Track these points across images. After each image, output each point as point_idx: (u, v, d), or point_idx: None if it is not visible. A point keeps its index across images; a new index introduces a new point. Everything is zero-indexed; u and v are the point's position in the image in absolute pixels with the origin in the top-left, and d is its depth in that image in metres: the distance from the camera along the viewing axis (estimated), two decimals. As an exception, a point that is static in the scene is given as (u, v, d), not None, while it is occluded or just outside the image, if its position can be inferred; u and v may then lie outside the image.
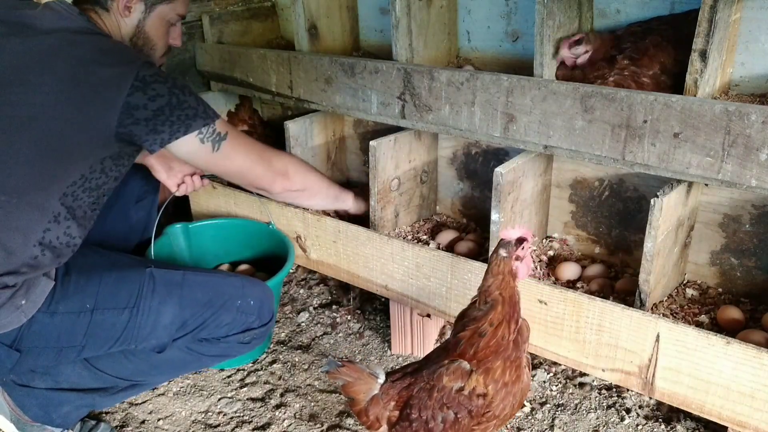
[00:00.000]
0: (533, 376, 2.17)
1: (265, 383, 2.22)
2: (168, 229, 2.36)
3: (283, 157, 2.03)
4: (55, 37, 1.63)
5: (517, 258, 1.46)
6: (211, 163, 1.79)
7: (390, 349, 2.36)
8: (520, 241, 1.46)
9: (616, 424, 1.96)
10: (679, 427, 1.93)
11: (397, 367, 2.27)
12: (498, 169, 1.90)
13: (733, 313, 1.79)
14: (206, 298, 1.84)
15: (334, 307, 2.63)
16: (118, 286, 1.76)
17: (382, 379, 1.61)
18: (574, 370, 2.17)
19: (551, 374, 2.18)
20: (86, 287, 1.73)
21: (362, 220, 2.31)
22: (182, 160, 1.89)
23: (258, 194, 2.40)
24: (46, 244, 1.62)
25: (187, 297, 1.82)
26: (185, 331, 1.82)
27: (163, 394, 2.18)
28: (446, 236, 2.31)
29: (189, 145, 1.70)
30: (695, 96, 1.61)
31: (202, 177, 2.21)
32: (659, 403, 2.01)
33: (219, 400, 2.16)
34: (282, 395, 2.16)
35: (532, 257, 1.48)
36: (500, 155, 2.29)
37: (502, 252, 1.46)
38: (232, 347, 1.92)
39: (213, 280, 1.90)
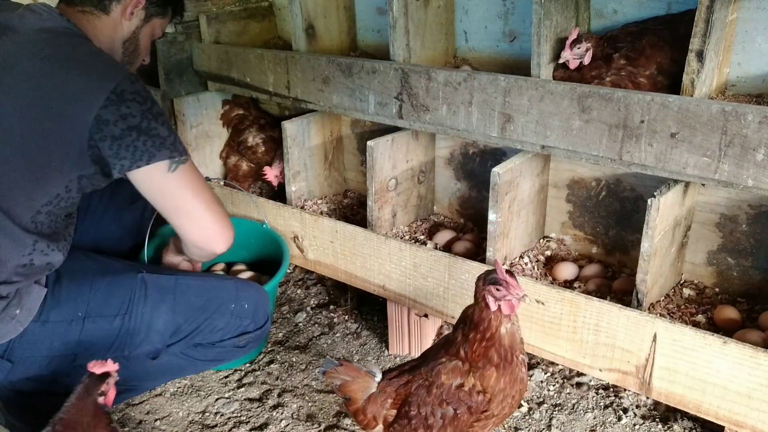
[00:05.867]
0: (531, 376, 2.17)
1: (262, 383, 2.22)
2: (161, 231, 2.35)
3: (223, 208, 1.81)
4: (33, 38, 1.59)
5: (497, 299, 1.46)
6: (156, 188, 1.64)
7: (387, 349, 2.36)
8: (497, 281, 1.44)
9: (614, 424, 1.97)
10: (676, 426, 1.93)
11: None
12: (495, 169, 1.90)
13: (730, 312, 1.79)
14: (200, 302, 1.83)
15: (331, 307, 2.63)
16: (110, 292, 1.74)
17: (378, 377, 1.61)
18: (571, 370, 2.17)
19: (548, 374, 2.18)
20: (77, 295, 1.71)
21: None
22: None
23: (251, 194, 2.40)
24: (38, 250, 1.61)
25: (180, 302, 1.80)
26: (179, 337, 1.81)
27: (160, 395, 2.18)
28: (443, 236, 2.31)
29: (146, 174, 1.60)
30: (692, 96, 1.61)
31: None
32: (656, 403, 2.02)
33: (216, 400, 2.15)
34: (279, 395, 2.16)
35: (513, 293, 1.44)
36: (497, 155, 2.29)
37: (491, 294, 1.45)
38: (228, 351, 1.91)
39: (206, 284, 1.88)
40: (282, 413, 2.08)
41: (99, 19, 1.76)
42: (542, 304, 1.86)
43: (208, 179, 2.36)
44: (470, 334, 1.50)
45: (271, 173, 2.76)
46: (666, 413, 1.98)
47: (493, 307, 1.45)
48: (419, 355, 1.71)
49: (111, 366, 1.47)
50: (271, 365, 2.30)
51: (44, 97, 1.52)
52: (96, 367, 1.46)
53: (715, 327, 1.77)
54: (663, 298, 1.90)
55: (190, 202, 1.67)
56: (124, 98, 1.52)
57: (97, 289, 1.73)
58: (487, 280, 1.45)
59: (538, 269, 2.09)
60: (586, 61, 1.82)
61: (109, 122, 1.51)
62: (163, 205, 1.68)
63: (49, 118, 1.52)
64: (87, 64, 1.57)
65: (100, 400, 1.46)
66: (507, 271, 1.44)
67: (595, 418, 2.00)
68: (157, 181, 1.62)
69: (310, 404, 2.12)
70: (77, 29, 1.68)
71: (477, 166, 2.39)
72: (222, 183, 2.74)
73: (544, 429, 1.98)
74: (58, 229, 1.68)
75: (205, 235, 1.73)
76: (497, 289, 1.43)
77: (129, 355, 1.80)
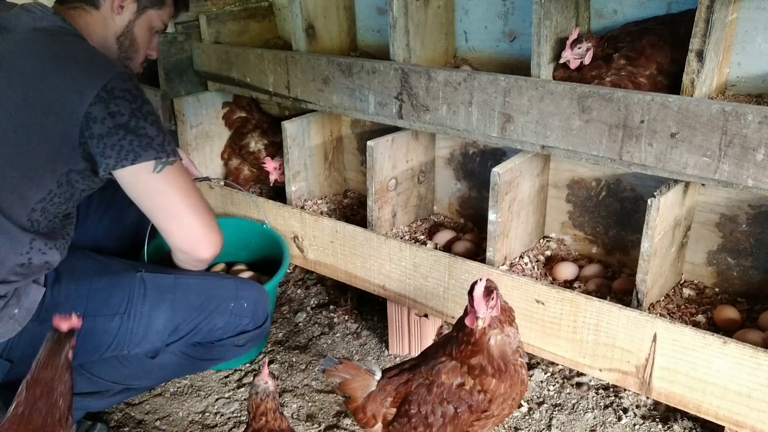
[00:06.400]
0: (531, 376, 2.17)
1: (262, 383, 2.22)
2: None
3: (213, 215, 1.77)
4: (26, 37, 1.59)
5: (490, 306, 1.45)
6: (141, 190, 1.62)
7: (387, 350, 2.36)
8: (489, 291, 1.44)
9: (614, 424, 1.97)
10: (676, 426, 1.93)
11: (394, 367, 2.28)
12: (495, 169, 1.90)
13: (730, 312, 1.79)
14: (199, 301, 1.82)
15: (331, 307, 2.63)
16: (109, 292, 1.74)
17: (378, 375, 1.61)
18: (571, 370, 2.17)
19: (548, 374, 2.18)
20: (76, 294, 1.71)
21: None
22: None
23: (249, 193, 2.39)
24: (35, 248, 1.61)
25: (179, 301, 1.79)
26: (178, 336, 1.81)
27: (160, 395, 2.18)
28: (443, 236, 2.31)
29: (131, 174, 1.58)
30: (692, 96, 1.61)
31: (193, 180, 2.18)
32: (656, 403, 2.02)
33: (216, 400, 2.15)
34: (279, 395, 2.15)
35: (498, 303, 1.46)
36: (497, 155, 2.29)
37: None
38: (227, 350, 1.91)
39: (206, 282, 1.87)
40: (282, 413, 2.08)
41: (90, 14, 1.75)
42: (542, 303, 1.86)
43: (209, 179, 2.36)
44: (458, 335, 1.52)
45: (270, 164, 2.73)
46: (666, 413, 1.98)
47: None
48: (420, 353, 1.71)
49: (76, 321, 1.43)
50: (271, 365, 2.30)
51: (36, 96, 1.53)
52: (63, 323, 1.41)
53: (715, 327, 1.77)
54: (663, 298, 1.90)
55: (175, 205, 1.65)
56: (114, 96, 1.52)
57: (96, 289, 1.73)
58: (470, 289, 1.46)
59: (538, 269, 2.09)
60: (587, 61, 1.82)
61: (97, 119, 1.51)
62: (149, 207, 1.66)
63: (40, 116, 1.52)
64: (79, 62, 1.57)
65: (70, 355, 1.43)
66: (486, 288, 1.43)
67: (595, 418, 2.00)
68: (142, 182, 1.60)
69: (310, 404, 2.12)
70: (71, 28, 1.68)
71: (477, 166, 2.39)
72: (222, 183, 2.74)
73: (544, 429, 1.98)
74: (56, 228, 1.68)
75: (190, 239, 1.70)
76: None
77: (128, 354, 1.80)
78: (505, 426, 1.99)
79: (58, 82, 1.52)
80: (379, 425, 1.59)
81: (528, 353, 2.07)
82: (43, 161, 1.55)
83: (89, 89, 1.51)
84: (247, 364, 2.31)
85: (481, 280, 1.44)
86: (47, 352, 1.40)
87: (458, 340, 1.51)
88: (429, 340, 2.29)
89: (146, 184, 1.61)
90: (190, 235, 1.70)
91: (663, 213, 1.69)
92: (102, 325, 1.72)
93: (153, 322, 1.77)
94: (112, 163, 1.55)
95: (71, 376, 1.43)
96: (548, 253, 2.19)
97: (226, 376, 2.25)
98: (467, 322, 1.47)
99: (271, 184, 2.79)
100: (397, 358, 2.33)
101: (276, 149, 2.80)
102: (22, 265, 1.60)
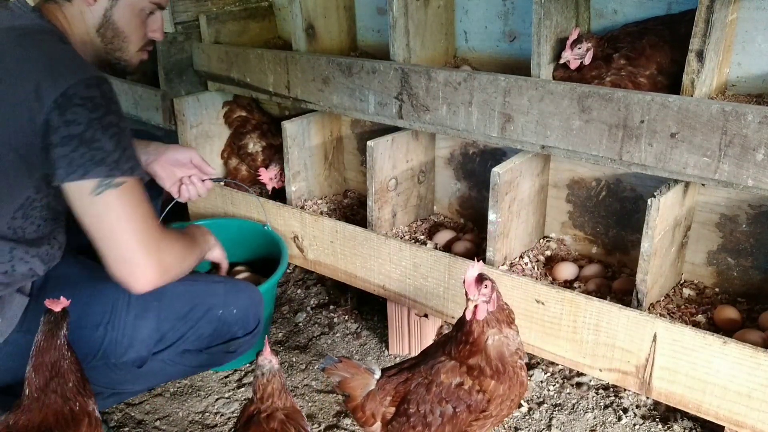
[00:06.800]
0: (531, 376, 2.17)
1: (262, 383, 2.22)
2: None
3: (171, 244, 1.62)
4: (1, 38, 1.54)
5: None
6: (82, 208, 1.48)
7: (387, 350, 2.36)
8: (481, 279, 1.44)
9: (614, 424, 1.97)
10: (676, 426, 1.93)
11: (394, 367, 2.28)
12: (495, 169, 1.90)
13: (730, 312, 1.79)
14: (185, 309, 1.76)
15: (331, 307, 2.63)
16: (92, 301, 1.69)
17: (378, 374, 1.62)
18: (571, 370, 2.17)
19: (548, 374, 2.18)
20: None
21: None
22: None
23: (256, 195, 2.38)
24: (17, 257, 1.57)
25: (165, 309, 1.73)
26: (165, 345, 1.76)
27: (160, 395, 2.18)
28: (443, 236, 2.31)
29: (74, 189, 1.46)
30: (692, 96, 1.61)
31: (203, 180, 2.16)
32: (656, 403, 2.02)
33: (216, 400, 2.15)
34: (279, 395, 2.16)
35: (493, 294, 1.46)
36: (497, 155, 2.29)
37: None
38: (218, 356, 1.85)
39: (194, 289, 1.80)
40: (282, 413, 2.08)
41: (65, 8, 1.66)
42: (542, 303, 1.86)
43: (221, 180, 2.33)
44: (457, 335, 1.52)
45: (266, 175, 2.70)
46: (666, 413, 1.98)
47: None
48: (419, 352, 1.71)
49: (65, 301, 1.43)
50: (271, 365, 2.30)
51: (4, 100, 1.47)
52: (55, 305, 1.41)
53: (715, 327, 1.77)
54: (663, 298, 1.90)
55: (114, 230, 1.49)
56: (72, 103, 1.42)
57: (80, 298, 1.66)
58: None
59: (538, 269, 2.09)
60: (587, 61, 1.82)
61: (52, 127, 1.43)
62: (86, 226, 1.51)
63: (7, 122, 1.46)
64: (44, 65, 1.48)
65: (66, 335, 1.43)
66: (479, 274, 1.44)
67: (595, 418, 2.00)
68: (81, 199, 1.47)
69: (310, 404, 2.12)
70: (49, 25, 1.61)
71: (477, 166, 2.39)
72: (222, 183, 2.73)
73: (544, 429, 1.98)
74: (44, 234, 1.63)
75: (123, 269, 1.52)
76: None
77: (116, 362, 1.76)
78: (505, 426, 1.99)
79: (22, 87, 1.45)
80: (378, 424, 1.60)
81: (528, 353, 2.07)
82: (14, 168, 1.50)
83: (48, 95, 1.42)
84: (247, 365, 2.31)
85: (473, 266, 1.44)
86: (45, 335, 1.42)
87: (457, 340, 1.51)
88: (429, 340, 2.29)
89: (85, 203, 1.48)
90: (124, 266, 1.52)
91: (663, 213, 1.69)
92: (86, 336, 1.68)
93: (137, 331, 1.71)
94: (62, 175, 1.44)
95: (73, 351, 1.46)
96: (548, 253, 2.19)
97: (226, 376, 2.26)
98: (468, 314, 1.47)
99: (270, 193, 2.78)
100: (397, 358, 2.33)
101: (274, 152, 2.79)
102: (5, 273, 1.56)
